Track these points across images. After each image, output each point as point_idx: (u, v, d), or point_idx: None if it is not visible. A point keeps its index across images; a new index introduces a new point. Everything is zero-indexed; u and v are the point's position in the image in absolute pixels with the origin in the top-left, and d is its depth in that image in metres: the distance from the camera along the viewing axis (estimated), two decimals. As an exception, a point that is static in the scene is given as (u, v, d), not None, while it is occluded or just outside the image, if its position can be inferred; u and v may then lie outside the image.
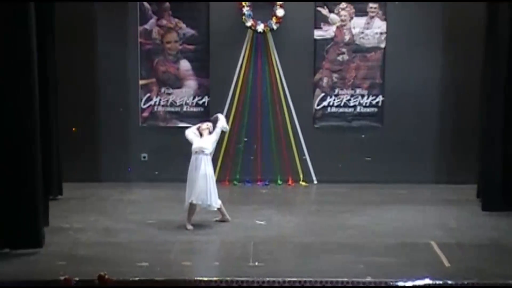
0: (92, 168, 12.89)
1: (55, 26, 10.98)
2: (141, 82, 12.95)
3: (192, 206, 9.66)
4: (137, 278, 7.71)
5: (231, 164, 12.93)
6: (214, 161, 12.07)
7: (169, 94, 12.99)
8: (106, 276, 7.38)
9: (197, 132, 9.75)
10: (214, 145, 9.73)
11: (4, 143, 8.39)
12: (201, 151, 9.54)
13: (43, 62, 9.46)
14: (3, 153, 8.41)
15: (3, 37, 8.24)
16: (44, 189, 8.98)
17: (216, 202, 9.63)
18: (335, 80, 13.05)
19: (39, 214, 8.64)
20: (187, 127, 10.40)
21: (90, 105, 12.87)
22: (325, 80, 13.05)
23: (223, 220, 9.99)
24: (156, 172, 12.89)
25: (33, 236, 8.60)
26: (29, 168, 8.47)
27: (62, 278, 7.47)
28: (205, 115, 12.59)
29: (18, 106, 8.36)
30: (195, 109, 13.01)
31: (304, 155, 13.01)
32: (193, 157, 9.56)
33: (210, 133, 9.75)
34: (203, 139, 9.61)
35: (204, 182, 9.46)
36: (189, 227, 9.77)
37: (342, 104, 13.06)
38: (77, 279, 7.47)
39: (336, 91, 13.06)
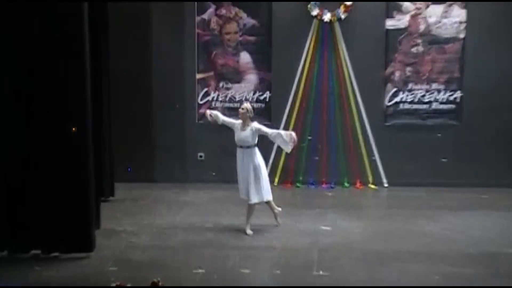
0: (146, 168, 12.91)
1: (109, 16, 11.06)
2: (198, 76, 12.85)
3: (250, 207, 9.48)
4: (192, 286, 7.66)
5: (294, 164, 12.71)
6: (275, 161, 12.22)
7: (228, 89, 12.83)
8: (160, 283, 7.33)
9: (236, 123, 9.48)
10: (256, 137, 9.43)
11: (55, 142, 8.44)
12: (245, 146, 9.36)
13: (97, 58, 9.64)
14: (54, 152, 8.45)
15: (57, 30, 8.38)
16: (96, 190, 8.97)
17: (267, 194, 9.48)
18: (408, 74, 12.73)
19: (90, 217, 8.63)
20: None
21: (144, 101, 12.79)
22: (397, 74, 12.76)
23: (275, 217, 9.85)
24: (214, 173, 12.91)
25: (83, 240, 8.61)
26: (81, 168, 8.47)
27: (113, 284, 7.43)
28: (267, 112, 12.59)
29: (70, 105, 8.44)
30: (255, 105, 12.63)
31: (373, 155, 12.79)
32: (237, 151, 9.46)
33: (250, 119, 9.42)
34: (244, 132, 9.39)
35: (251, 176, 9.34)
36: (249, 231, 9.63)
37: (416, 100, 12.75)
38: (129, 285, 7.42)
39: (410, 86, 12.75)
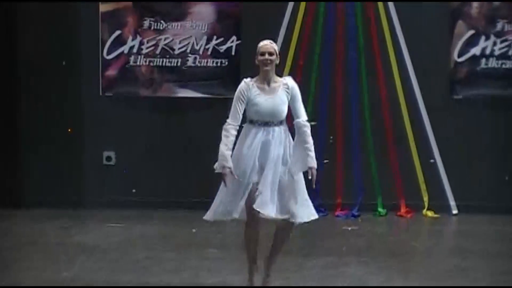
0: (4, 182, 10.39)
1: None
2: (104, 7, 10.44)
3: (283, 234, 7.16)
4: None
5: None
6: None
7: (159, 31, 10.44)
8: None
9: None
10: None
11: None
12: (276, 121, 7.18)
13: None
14: None
15: None
16: None
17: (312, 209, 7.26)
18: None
19: None
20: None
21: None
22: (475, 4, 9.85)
23: (267, 265, 6.99)
24: (134, 190, 10.27)
25: None
26: None
27: None
28: (231, 74, 10.13)
29: None
30: (211, 64, 10.27)
31: (432, 158, 10.19)
32: (252, 132, 7.27)
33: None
34: (272, 97, 7.17)
35: (284, 178, 7.18)
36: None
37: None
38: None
39: (499, 26, 9.82)
